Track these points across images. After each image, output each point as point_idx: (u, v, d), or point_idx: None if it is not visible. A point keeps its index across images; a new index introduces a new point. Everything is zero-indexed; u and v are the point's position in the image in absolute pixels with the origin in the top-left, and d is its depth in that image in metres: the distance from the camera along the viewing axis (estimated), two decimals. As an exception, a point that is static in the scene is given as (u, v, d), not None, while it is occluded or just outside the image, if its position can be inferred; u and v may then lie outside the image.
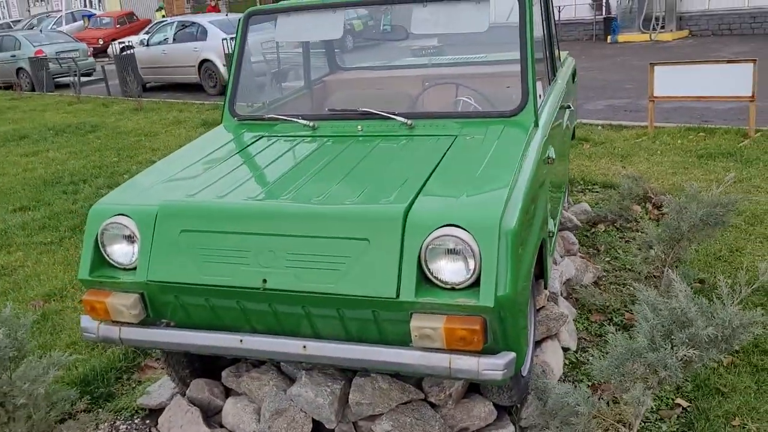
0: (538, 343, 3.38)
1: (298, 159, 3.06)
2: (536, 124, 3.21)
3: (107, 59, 22.28)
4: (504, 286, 2.30)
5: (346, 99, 4.27)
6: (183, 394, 3.21)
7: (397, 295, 2.34)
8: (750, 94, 6.84)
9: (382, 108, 3.34)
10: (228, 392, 3.19)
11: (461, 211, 2.39)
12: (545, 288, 3.37)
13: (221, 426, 3.03)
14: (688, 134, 7.30)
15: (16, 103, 14.52)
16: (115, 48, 17.17)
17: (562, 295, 3.90)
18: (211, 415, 3.14)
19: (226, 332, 2.62)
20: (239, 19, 3.76)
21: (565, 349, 3.49)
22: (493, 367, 2.34)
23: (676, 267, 3.71)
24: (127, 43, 17.64)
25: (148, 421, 3.27)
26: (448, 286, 2.35)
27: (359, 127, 3.33)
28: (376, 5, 3.67)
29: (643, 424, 2.90)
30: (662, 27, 17.87)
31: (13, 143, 9.95)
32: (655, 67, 7.39)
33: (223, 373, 3.17)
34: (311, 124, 3.40)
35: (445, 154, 2.91)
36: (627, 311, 3.74)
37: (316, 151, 3.14)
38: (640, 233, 4.02)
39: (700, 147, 6.78)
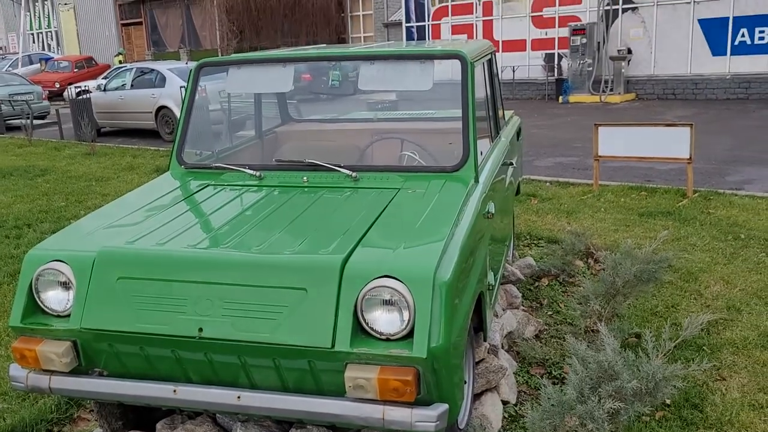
0: (477, 396, 3.41)
1: (242, 208, 3.09)
2: (476, 180, 3.31)
3: (62, 103, 22.04)
4: (438, 338, 2.34)
5: (295, 150, 4.34)
6: (115, 447, 3.13)
7: (333, 345, 2.36)
8: (687, 156, 7.14)
9: (329, 160, 3.41)
10: (161, 444, 3.12)
11: (397, 262, 2.44)
12: (485, 340, 3.42)
13: (151, 479, 2.96)
14: (631, 193, 7.55)
15: (-36, 145, 14.23)
16: (71, 92, 17.04)
17: (503, 347, 3.95)
18: (143, 468, 3.06)
19: (160, 382, 2.59)
20: (190, 69, 3.81)
21: (505, 403, 3.52)
22: (425, 418, 2.36)
23: (612, 321, 3.80)
24: (83, 88, 17.52)
25: (76, 476, 3.17)
26: (383, 337, 2.39)
27: (305, 178, 3.39)
28: (325, 61, 3.77)
29: (577, 477, 2.93)
30: (611, 90, 18.56)
31: (-42, 185, 9.72)
32: (600, 128, 7.67)
33: (158, 425, 3.11)
34: (257, 173, 3.44)
35: (386, 206, 2.98)
36: (566, 364, 3.80)
37: (261, 201, 3.17)
38: (580, 288, 4.12)
39: (642, 205, 7.02)
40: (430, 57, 3.50)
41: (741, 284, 4.84)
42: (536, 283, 5.08)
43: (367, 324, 2.39)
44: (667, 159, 7.40)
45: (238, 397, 2.49)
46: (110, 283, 2.58)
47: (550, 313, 4.59)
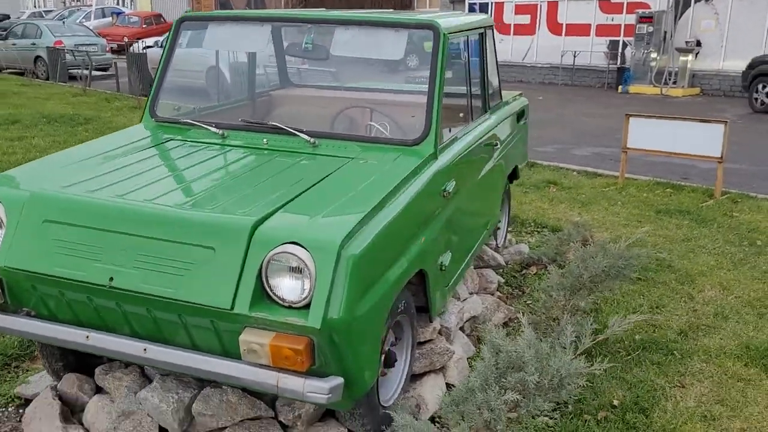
0: (418, 377, 3.35)
1: (189, 165, 3.09)
2: (435, 156, 3.21)
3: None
4: (337, 310, 2.29)
5: (281, 114, 4.31)
6: (55, 388, 3.21)
7: (232, 307, 2.34)
8: (719, 155, 6.80)
9: (305, 125, 3.37)
10: (100, 390, 3.18)
11: (307, 230, 2.39)
12: (430, 321, 3.35)
13: (81, 423, 3.02)
14: (656, 189, 7.26)
15: (23, 89, 14.76)
16: (138, 47, 17.43)
17: (463, 331, 3.87)
18: (78, 411, 3.13)
19: (75, 327, 2.63)
20: (172, 24, 3.82)
21: (451, 386, 3.45)
22: (317, 389, 2.32)
23: (575, 315, 3.66)
24: (148, 44, 17.92)
25: (21, 411, 3.26)
26: (286, 304, 2.35)
27: (265, 140, 3.36)
28: (303, 24, 3.72)
29: (500, 469, 2.85)
30: (674, 82, 17.85)
31: (4, 127, 10.10)
32: (630, 119, 7.38)
33: (96, 370, 3.17)
34: (220, 132, 3.44)
35: (329, 174, 2.93)
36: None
37: (212, 159, 3.16)
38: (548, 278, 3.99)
39: (662, 203, 6.73)
40: (403, 26, 3.40)
41: (738, 291, 4.60)
42: (524, 271, 4.95)
43: (271, 289, 2.36)
44: (698, 156, 7.06)
45: (144, 350, 2.50)
46: (36, 225, 2.62)
47: (529, 302, 4.47)
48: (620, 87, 18.69)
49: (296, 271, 2.34)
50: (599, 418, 3.16)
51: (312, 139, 3.28)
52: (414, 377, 3.34)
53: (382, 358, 2.93)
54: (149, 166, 3.05)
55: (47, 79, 17.72)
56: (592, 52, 20.06)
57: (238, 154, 3.25)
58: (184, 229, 2.45)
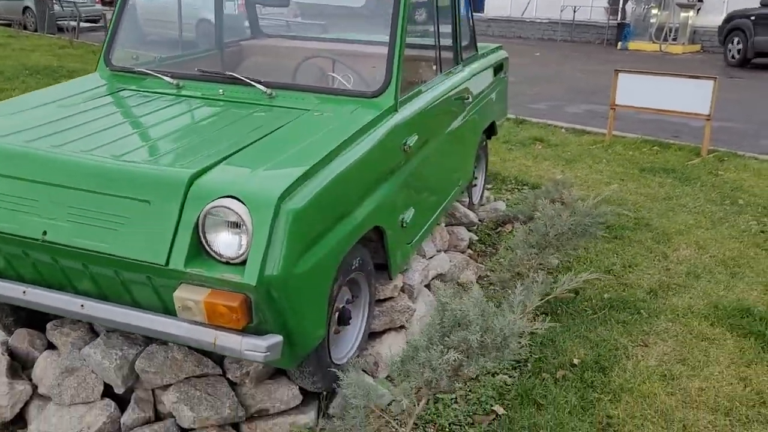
0: (378, 334, 3.30)
1: (137, 115, 2.99)
2: (396, 108, 3.11)
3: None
4: (275, 267, 2.21)
5: (248, 65, 4.18)
6: (6, 343, 3.16)
7: (167, 263, 2.26)
8: (707, 113, 6.66)
9: (269, 76, 3.26)
10: (51, 346, 3.13)
11: (245, 184, 2.30)
12: (390, 279, 3.29)
13: (29, 379, 2.98)
14: (643, 146, 7.14)
15: (9, 41, 14.50)
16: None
17: (430, 289, 3.81)
18: (29, 366, 3.09)
19: (14, 282, 2.56)
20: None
21: (412, 344, 3.41)
22: (254, 348, 2.26)
23: (538, 272, 3.59)
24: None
25: (-27, 365, 3.22)
26: (224, 260, 2.28)
27: (221, 91, 3.25)
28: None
29: (453, 427, 2.81)
30: (674, 39, 17.53)
31: (-15, 79, 9.94)
32: (619, 74, 7.22)
33: (48, 325, 3.11)
34: (175, 82, 3.32)
35: (281, 126, 2.83)
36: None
37: (162, 110, 3.06)
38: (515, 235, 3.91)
39: (648, 161, 6.62)
40: (363, -29, 3.26)
41: (714, 251, 4.53)
42: (499, 229, 4.87)
43: (208, 245, 2.28)
44: (686, 114, 6.92)
45: (82, 306, 2.44)
46: (-29, 177, 2.53)
47: (501, 260, 4.40)
48: (620, 43, 18.40)
49: (234, 226, 2.26)
50: (557, 377, 3.11)
51: (268, 90, 3.17)
52: (374, 335, 3.30)
53: (336, 315, 2.88)
54: (94, 117, 2.95)
55: (35, 30, 17.42)
56: (593, 7, 19.70)
57: (191, 105, 3.14)
58: (119, 182, 2.36)
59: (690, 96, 6.75)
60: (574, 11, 19.54)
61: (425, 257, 3.81)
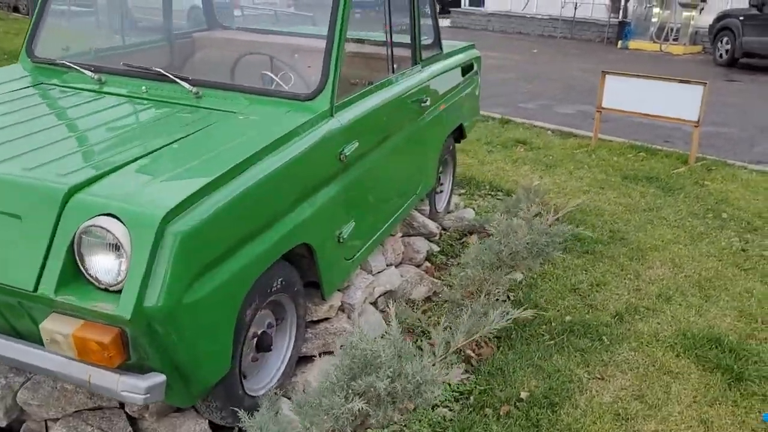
0: (310, 359, 3.03)
1: (43, 114, 2.71)
2: (331, 113, 2.82)
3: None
4: (157, 297, 1.93)
5: (195, 60, 3.90)
6: None
7: (35, 288, 1.98)
8: (695, 119, 6.35)
9: (200, 71, 2.99)
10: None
11: (127, 200, 2.02)
12: (323, 299, 3.01)
13: None
14: (629, 152, 6.84)
15: (-5, 25, 14.22)
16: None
17: (378, 307, 3.54)
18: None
19: None
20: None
21: (350, 368, 3.13)
22: (133, 389, 1.99)
23: (489, 294, 3.32)
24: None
25: None
26: (102, 286, 2.00)
27: (144, 88, 2.97)
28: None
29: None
30: (675, 39, 17.17)
31: (-41, 64, 9.63)
32: (607, 76, 6.91)
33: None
34: (97, 77, 3.04)
35: (195, 132, 2.55)
36: (430, 337, 3.36)
37: (73, 108, 2.78)
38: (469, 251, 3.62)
39: (632, 167, 6.32)
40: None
41: (690, 270, 4.24)
42: (464, 239, 4.59)
43: (86, 269, 2.00)
44: (673, 119, 6.62)
45: (-48, 331, 2.17)
46: None
47: (463, 273, 4.11)
48: (620, 42, 18.03)
49: (114, 248, 1.98)
50: (501, 413, 2.84)
51: (194, 89, 2.88)
52: (305, 359, 3.03)
53: (253, 342, 2.61)
54: (-3, 116, 2.67)
55: (27, 14, 17.08)
56: (594, 4, 19.32)
57: (108, 103, 2.85)
58: (-11, 193, 2.09)
59: (678, 101, 6.44)
60: (575, 8, 19.17)
61: (371, 273, 3.53)
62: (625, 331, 3.52)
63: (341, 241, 2.97)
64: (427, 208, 4.35)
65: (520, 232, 3.21)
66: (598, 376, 3.13)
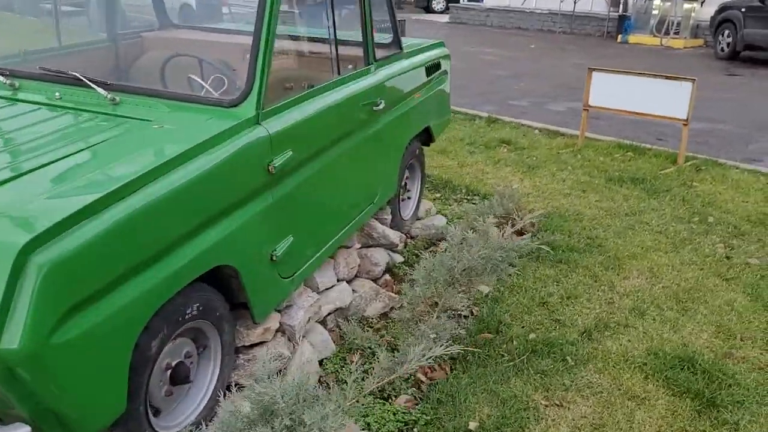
0: (242, 387, 2.79)
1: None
2: (257, 121, 2.59)
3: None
4: (17, 338, 1.70)
5: (115, 60, 3.67)
6: None
7: None
8: (684, 117, 6.08)
9: (136, 74, 2.76)
10: None
11: (-12, 227, 1.79)
12: (254, 322, 2.78)
13: None
14: (616, 152, 6.57)
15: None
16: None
17: (326, 326, 3.31)
18: None
19: None
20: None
21: (290, 395, 2.90)
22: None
23: (441, 316, 3.07)
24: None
25: None
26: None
27: (57, 94, 2.74)
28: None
29: None
30: (676, 32, 16.84)
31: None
32: (593, 73, 6.64)
33: None
34: (8, 82, 2.82)
35: (95, 145, 2.32)
36: (376, 360, 3.12)
37: (-28, 119, 2.55)
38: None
39: (618, 168, 6.06)
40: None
41: (668, 280, 3.98)
42: (432, 248, 4.35)
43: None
44: (661, 117, 6.34)
45: None
46: None
47: (413, 292, 3.87)
48: (620, 36, 17.72)
49: None
50: (444, 447, 2.60)
51: (110, 95, 2.65)
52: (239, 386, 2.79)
53: (167, 375, 2.38)
54: None
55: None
56: (594, -3, 19.01)
57: (15, 111, 2.63)
58: None
59: (667, 98, 6.17)
60: (575, 2, 18.85)
61: (318, 290, 3.29)
62: (592, 350, 3.27)
63: (275, 259, 2.74)
64: (388, 217, 4.10)
65: (475, 246, 2.97)
66: (557, 403, 2.88)
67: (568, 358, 3.19)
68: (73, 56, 3.52)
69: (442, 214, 4.86)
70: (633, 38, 17.37)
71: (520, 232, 4.57)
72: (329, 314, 3.33)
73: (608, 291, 3.86)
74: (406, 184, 4.40)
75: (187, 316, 2.35)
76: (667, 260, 4.24)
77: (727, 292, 3.86)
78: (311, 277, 3.28)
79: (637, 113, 6.46)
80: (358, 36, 3.46)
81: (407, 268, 4.06)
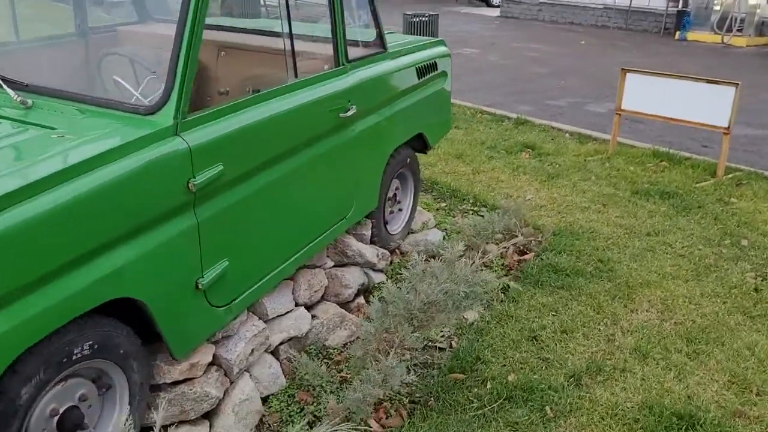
0: (164, 428, 2.48)
1: None
2: (176, 132, 2.26)
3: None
4: None
5: (76, 58, 3.40)
6: None
7: None
8: (725, 125, 5.51)
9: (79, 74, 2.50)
10: None
11: None
12: (175, 358, 2.45)
13: None
14: (649, 160, 6.02)
15: None
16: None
17: (278, 356, 2.97)
18: None
19: None
20: None
21: (224, 439, 2.58)
22: None
23: (397, 357, 2.69)
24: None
25: None
26: None
27: None
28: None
29: None
30: (739, 30, 15.87)
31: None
32: (627, 74, 6.11)
33: None
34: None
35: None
36: (327, 400, 2.76)
37: None
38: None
39: (648, 180, 5.53)
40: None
41: (682, 315, 3.50)
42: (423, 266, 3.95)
43: None
44: (699, 125, 5.77)
45: None
46: None
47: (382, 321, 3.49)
48: (678, 33, 16.81)
49: None
50: None
51: (18, 98, 2.36)
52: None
53: (53, 422, 2.08)
54: None
55: None
56: (652, -8, 18.11)
57: None
58: None
59: (707, 104, 5.60)
60: (631, -3, 18.01)
61: (266, 317, 2.95)
62: (577, 399, 2.84)
63: (201, 287, 2.41)
64: (366, 233, 3.72)
65: (441, 276, 2.58)
66: (524, 466, 2.48)
67: (547, 408, 2.77)
68: (15, 52, 3.26)
69: (441, 228, 4.46)
70: (691, 35, 16.46)
71: (522, 252, 4.14)
72: (282, 344, 2.99)
73: (610, 325, 3.40)
74: (395, 195, 4.02)
75: (75, 357, 2.05)
76: (685, 290, 3.75)
77: (750, 333, 3.35)
78: (259, 302, 2.94)
79: (673, 119, 5.91)
80: (326, 32, 3.10)
81: (390, 288, 3.68)
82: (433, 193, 5.17)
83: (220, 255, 2.50)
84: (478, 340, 3.22)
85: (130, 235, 2.12)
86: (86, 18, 3.62)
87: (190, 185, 2.28)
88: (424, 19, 9.23)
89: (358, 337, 3.19)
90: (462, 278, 2.57)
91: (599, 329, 3.37)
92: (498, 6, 22.84)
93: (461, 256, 2.67)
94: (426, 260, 2.94)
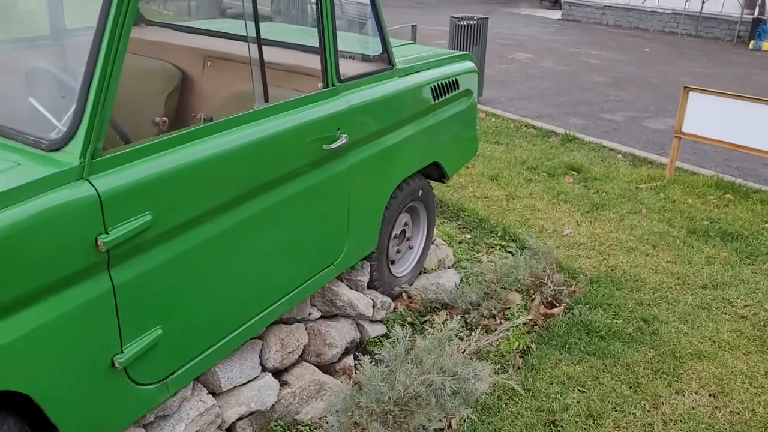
0: None
1: None
2: (82, 174, 1.78)
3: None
4: None
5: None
6: None
7: None
8: (803, 156, 4.77)
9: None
10: None
11: None
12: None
13: None
14: (711, 191, 5.30)
15: None
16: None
17: (237, 434, 2.47)
18: None
19: None
20: None
21: None
22: None
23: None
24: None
25: None
26: None
27: None
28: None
29: None
30: (821, 40, 14.71)
31: None
32: (690, 93, 5.40)
33: None
34: None
35: None
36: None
37: None
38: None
39: (708, 216, 4.83)
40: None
41: (741, 402, 2.85)
42: (429, 317, 3.40)
43: None
44: (765, 153, 5.04)
45: None
46: None
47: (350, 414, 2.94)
48: (752, 42, 15.71)
49: None
50: None
51: None
52: None
53: None
54: None
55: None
56: (726, -3, 17.00)
57: None
58: None
59: (782, 130, 4.87)
60: (703, 1, 16.93)
61: (220, 389, 2.45)
62: None
63: (118, 365, 1.93)
64: (363, 278, 3.18)
65: (425, 362, 2.03)
66: None
67: None
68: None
69: (460, 268, 3.89)
70: (767, 45, 15.36)
71: (551, 304, 3.54)
72: (240, 419, 2.49)
73: (649, 410, 2.79)
74: (404, 231, 3.48)
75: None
76: (746, 366, 3.10)
77: (826, 433, 2.69)
78: (211, 371, 2.45)
79: (741, 147, 5.18)
80: (313, 43, 2.58)
81: (386, 345, 3.14)
82: (459, 222, 4.61)
83: (149, 323, 2.02)
84: (483, 422, 2.65)
85: (9, 309, 1.65)
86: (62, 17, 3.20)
87: (98, 243, 1.79)
88: (472, 22, 8.60)
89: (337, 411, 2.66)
90: (450, 368, 2.02)
91: (635, 415, 2.76)
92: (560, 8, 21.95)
93: (457, 334, 2.11)
94: (411, 337, 2.39)
